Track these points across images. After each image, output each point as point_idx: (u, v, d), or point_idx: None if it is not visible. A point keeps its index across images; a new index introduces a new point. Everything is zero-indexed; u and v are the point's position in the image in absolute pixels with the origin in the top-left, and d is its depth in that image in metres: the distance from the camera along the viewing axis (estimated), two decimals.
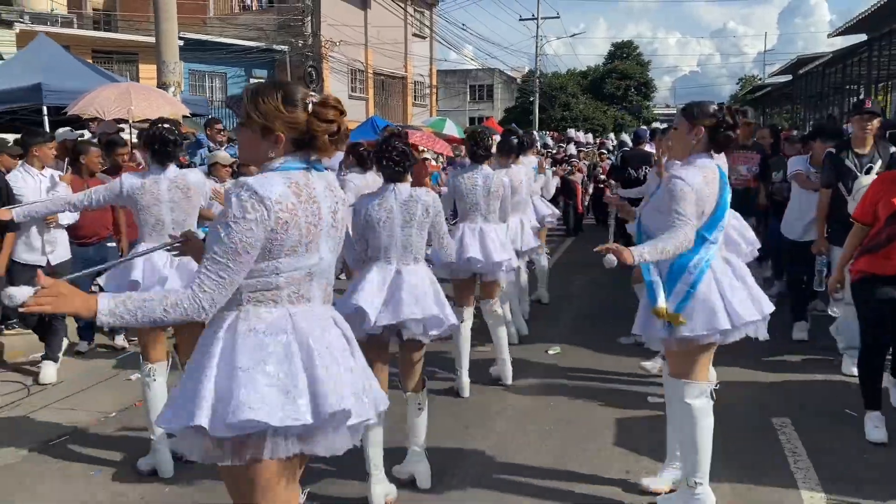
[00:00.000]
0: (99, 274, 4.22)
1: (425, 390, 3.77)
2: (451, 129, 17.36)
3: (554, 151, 15.33)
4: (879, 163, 5.08)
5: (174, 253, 2.67)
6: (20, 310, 1.88)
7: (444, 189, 5.79)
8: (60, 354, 5.50)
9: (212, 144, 8.25)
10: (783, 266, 7.18)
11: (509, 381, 5.23)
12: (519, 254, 5.79)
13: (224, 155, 6.35)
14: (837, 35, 20.06)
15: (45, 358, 5.45)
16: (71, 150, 5.87)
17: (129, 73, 21.28)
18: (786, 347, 5.87)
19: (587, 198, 12.74)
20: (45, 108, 8.53)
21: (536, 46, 38.85)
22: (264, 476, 2.05)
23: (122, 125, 7.48)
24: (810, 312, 6.39)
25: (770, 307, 3.28)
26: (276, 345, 2.03)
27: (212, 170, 6.21)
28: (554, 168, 10.66)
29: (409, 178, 3.68)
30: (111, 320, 1.92)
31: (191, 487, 3.69)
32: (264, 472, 2.04)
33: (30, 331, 5.69)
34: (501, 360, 5.26)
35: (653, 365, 5.27)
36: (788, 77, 29.05)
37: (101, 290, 4.32)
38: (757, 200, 6.96)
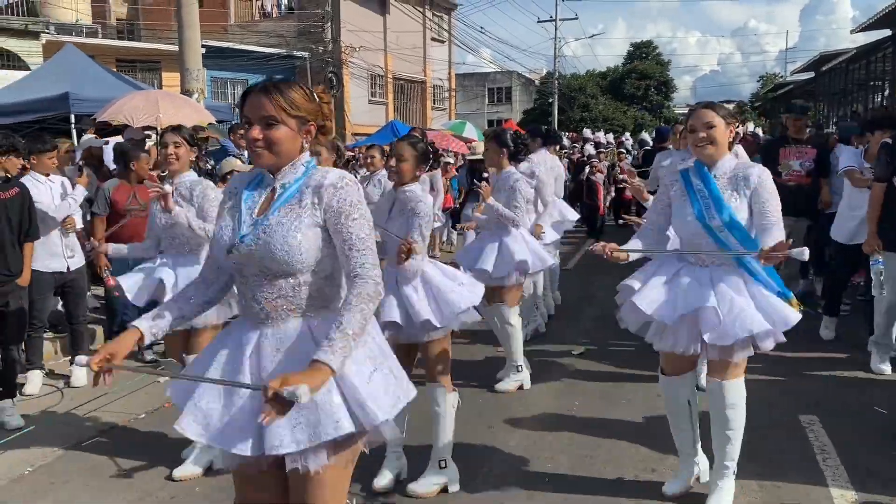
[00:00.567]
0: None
1: (441, 387, 3.69)
2: (471, 132, 17.38)
3: (570, 152, 15.30)
4: None
5: None
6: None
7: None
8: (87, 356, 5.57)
9: (237, 150, 8.35)
10: (823, 265, 7.00)
11: (501, 387, 5.15)
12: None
13: (239, 163, 6.41)
14: (860, 31, 19.80)
15: (73, 361, 5.54)
16: (121, 155, 5.86)
17: (153, 81, 21.58)
18: (813, 345, 5.83)
19: (608, 198, 12.66)
20: (72, 117, 8.66)
21: (555, 48, 38.82)
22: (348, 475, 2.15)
23: (148, 132, 7.58)
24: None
25: None
26: (373, 344, 2.13)
27: (228, 177, 6.30)
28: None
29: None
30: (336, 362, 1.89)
31: (219, 487, 3.73)
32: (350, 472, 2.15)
33: (64, 334, 5.79)
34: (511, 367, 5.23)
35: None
36: (811, 74, 28.74)
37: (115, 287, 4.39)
38: (819, 198, 6.67)
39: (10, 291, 4.48)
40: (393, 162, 3.63)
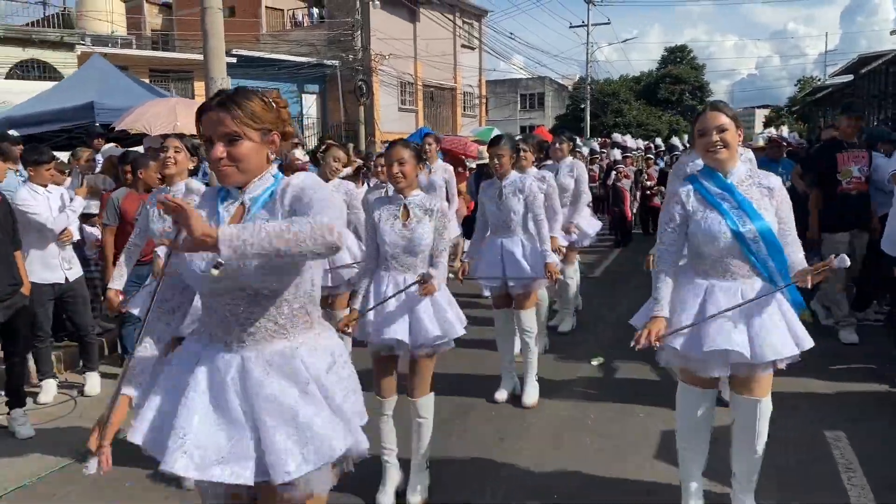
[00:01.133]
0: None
1: (423, 400, 3.64)
2: None
3: (599, 157, 15.02)
4: None
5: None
6: None
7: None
8: (98, 364, 5.59)
9: None
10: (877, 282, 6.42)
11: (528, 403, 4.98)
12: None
13: None
14: None
15: (86, 370, 5.55)
16: (130, 163, 5.87)
17: (185, 91, 21.90)
18: (839, 357, 5.60)
19: (635, 205, 12.37)
20: (97, 126, 8.74)
21: (587, 53, 38.52)
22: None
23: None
24: (863, 322, 6.09)
25: None
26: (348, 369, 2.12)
27: None
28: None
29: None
30: (230, 253, 1.67)
31: None
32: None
33: (75, 343, 5.80)
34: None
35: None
36: (850, 77, 28.06)
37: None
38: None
39: (19, 301, 4.48)
40: (395, 168, 3.52)
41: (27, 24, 20.47)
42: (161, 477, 3.87)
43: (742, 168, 3.02)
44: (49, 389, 5.37)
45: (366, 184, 7.03)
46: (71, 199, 5.33)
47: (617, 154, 13.77)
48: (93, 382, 5.47)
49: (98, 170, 7.09)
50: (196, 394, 1.94)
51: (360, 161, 6.89)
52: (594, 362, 5.90)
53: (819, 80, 48.17)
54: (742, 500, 3.20)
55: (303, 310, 2.02)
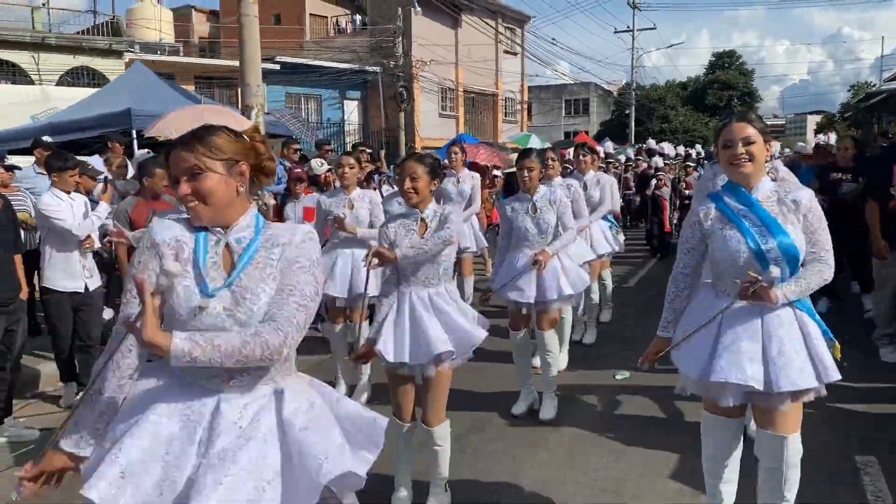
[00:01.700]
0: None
1: (439, 429, 3.51)
2: (535, 143, 17.17)
3: (633, 165, 14.70)
4: None
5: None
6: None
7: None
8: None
9: (287, 164, 8.41)
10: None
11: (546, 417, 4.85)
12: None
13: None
14: None
15: (80, 386, 5.34)
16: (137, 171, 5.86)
17: (229, 98, 22.25)
18: (877, 376, 5.34)
19: (675, 214, 12.03)
20: (133, 132, 8.89)
21: (632, 59, 38.06)
22: None
23: None
24: None
25: None
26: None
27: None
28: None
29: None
30: (176, 363, 1.72)
31: None
32: None
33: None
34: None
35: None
36: None
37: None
38: None
39: (19, 308, 4.53)
40: (408, 184, 3.43)
41: (77, 33, 21.07)
42: None
43: (768, 183, 2.81)
44: (70, 394, 5.37)
45: (377, 190, 6.99)
46: (95, 206, 5.33)
47: (659, 161, 13.40)
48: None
49: (130, 175, 7.18)
50: (158, 441, 1.84)
51: (371, 166, 6.87)
52: (619, 377, 5.74)
53: (874, 85, 46.73)
54: None
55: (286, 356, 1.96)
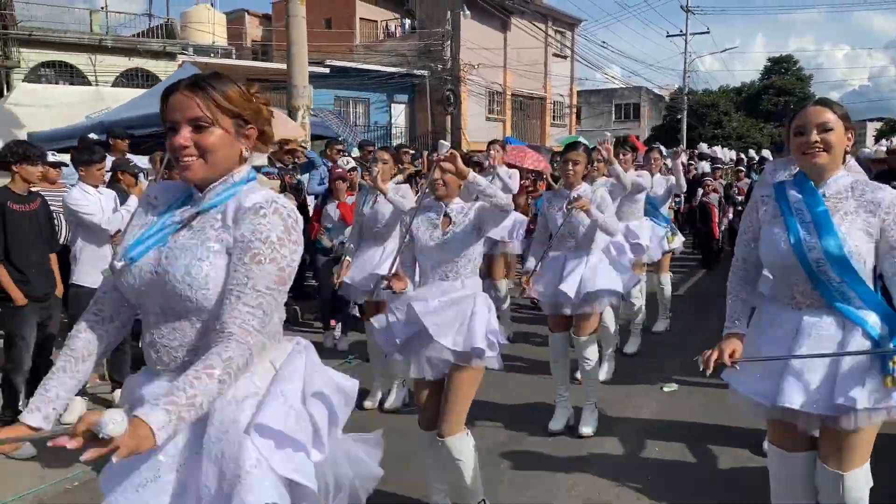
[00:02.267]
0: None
1: (452, 440, 3.21)
2: None
3: (685, 170, 14.27)
4: None
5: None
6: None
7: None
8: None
9: (329, 163, 8.36)
10: None
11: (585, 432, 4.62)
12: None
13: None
14: None
15: (114, 385, 5.24)
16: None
17: (280, 100, 22.47)
18: None
19: (724, 221, 11.63)
20: None
21: (685, 63, 37.35)
22: None
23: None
24: None
25: None
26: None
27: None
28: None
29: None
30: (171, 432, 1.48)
31: None
32: None
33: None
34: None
35: None
36: None
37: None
38: None
39: (54, 304, 4.53)
40: (437, 174, 3.30)
41: (133, 35, 21.55)
42: None
43: (845, 178, 2.49)
44: (76, 408, 4.59)
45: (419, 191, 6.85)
46: (125, 200, 5.23)
47: (706, 166, 12.97)
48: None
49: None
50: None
51: (412, 167, 6.75)
52: (666, 389, 5.50)
53: None
54: None
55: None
